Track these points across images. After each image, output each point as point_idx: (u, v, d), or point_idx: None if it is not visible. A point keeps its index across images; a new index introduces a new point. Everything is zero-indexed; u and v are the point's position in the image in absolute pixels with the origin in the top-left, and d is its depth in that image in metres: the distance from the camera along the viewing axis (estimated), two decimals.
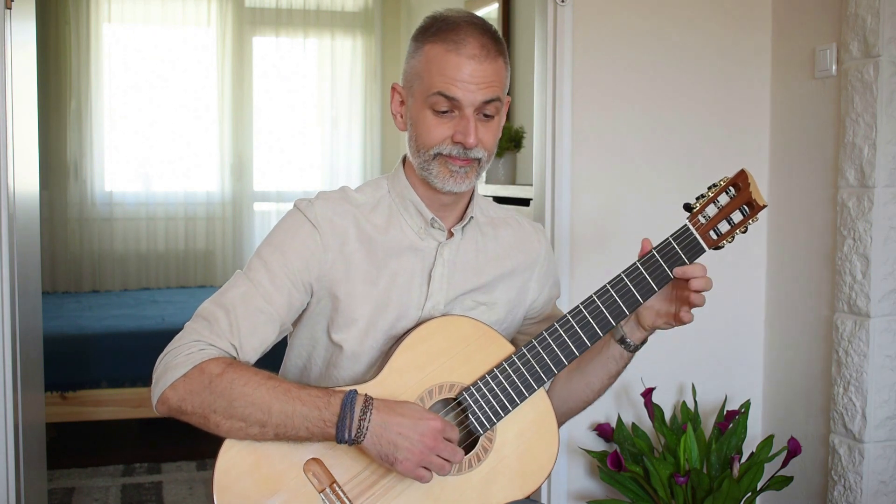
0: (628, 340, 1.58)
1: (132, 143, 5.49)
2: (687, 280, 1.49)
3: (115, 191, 5.52)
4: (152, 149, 5.52)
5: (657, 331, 1.58)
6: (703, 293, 1.49)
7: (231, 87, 5.60)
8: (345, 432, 1.37)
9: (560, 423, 1.71)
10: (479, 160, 1.49)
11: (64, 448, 4.01)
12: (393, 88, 1.55)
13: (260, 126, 5.71)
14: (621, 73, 2.66)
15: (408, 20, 5.87)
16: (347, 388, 1.41)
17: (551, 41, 2.61)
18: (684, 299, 1.51)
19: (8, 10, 2.26)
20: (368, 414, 1.37)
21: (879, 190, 2.32)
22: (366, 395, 1.40)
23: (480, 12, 4.63)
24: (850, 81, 2.38)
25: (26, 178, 2.47)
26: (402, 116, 1.54)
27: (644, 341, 1.60)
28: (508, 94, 1.53)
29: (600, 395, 1.66)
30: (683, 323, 1.52)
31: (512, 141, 3.74)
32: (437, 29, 1.46)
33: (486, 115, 1.47)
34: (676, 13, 2.69)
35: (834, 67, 2.48)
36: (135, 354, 4.01)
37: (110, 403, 4.00)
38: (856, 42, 2.36)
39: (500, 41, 1.49)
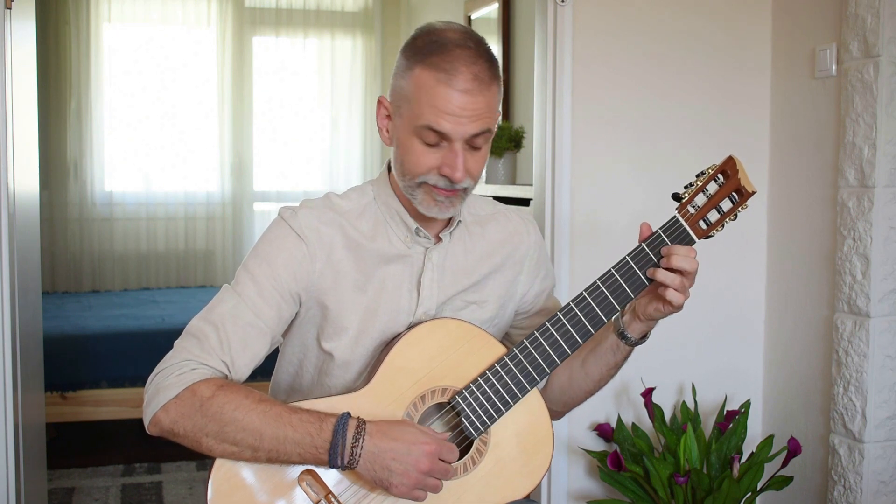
0: (627, 334, 1.53)
1: (132, 143, 5.49)
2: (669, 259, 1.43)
3: (115, 191, 5.53)
4: (152, 149, 5.52)
5: (658, 322, 1.52)
6: (686, 273, 1.42)
7: (231, 87, 5.61)
8: (337, 459, 1.36)
9: (560, 415, 1.69)
10: (465, 189, 1.46)
11: (64, 448, 4.01)
12: (379, 102, 1.49)
13: (260, 126, 5.71)
14: (621, 74, 2.66)
15: (408, 20, 5.87)
16: (340, 413, 1.38)
17: (551, 41, 2.61)
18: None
19: (8, 10, 2.26)
20: (361, 440, 1.36)
21: (879, 190, 2.32)
22: (358, 419, 1.38)
23: (480, 12, 4.63)
24: (850, 81, 2.38)
25: (26, 178, 2.47)
26: (388, 131, 1.50)
27: (645, 336, 1.54)
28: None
29: (601, 385, 1.62)
30: (673, 306, 1.45)
31: (512, 141, 3.73)
32: (428, 51, 1.40)
33: (474, 147, 1.43)
34: (676, 14, 2.69)
35: (834, 67, 2.48)
36: (135, 354, 4.01)
37: (110, 403, 4.00)
38: (856, 42, 2.36)
39: (494, 64, 1.42)
